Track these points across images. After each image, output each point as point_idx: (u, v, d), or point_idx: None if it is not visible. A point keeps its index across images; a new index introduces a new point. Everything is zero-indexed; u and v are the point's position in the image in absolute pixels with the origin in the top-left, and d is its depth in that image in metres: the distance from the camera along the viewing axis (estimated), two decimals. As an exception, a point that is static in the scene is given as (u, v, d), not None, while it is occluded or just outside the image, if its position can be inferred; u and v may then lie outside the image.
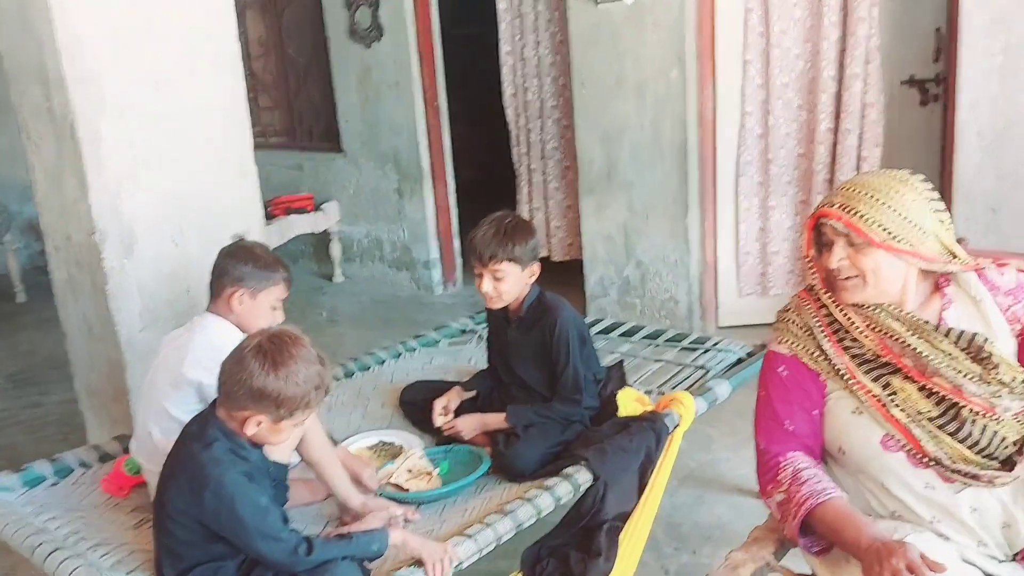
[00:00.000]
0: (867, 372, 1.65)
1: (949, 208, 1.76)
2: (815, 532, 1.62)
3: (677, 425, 2.39)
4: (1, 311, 5.60)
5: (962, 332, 1.58)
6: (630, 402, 2.45)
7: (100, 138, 2.55)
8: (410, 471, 2.32)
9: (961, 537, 1.56)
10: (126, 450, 2.29)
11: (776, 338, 1.79)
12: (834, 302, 1.69)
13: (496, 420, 2.38)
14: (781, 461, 1.70)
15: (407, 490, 2.20)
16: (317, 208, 5.65)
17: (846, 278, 1.64)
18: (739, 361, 2.89)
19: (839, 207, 1.61)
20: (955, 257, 1.61)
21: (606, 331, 3.22)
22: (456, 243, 5.47)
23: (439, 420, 2.49)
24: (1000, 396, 1.53)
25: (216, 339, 2.05)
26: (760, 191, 4.38)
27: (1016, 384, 1.53)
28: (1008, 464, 1.53)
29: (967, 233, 3.49)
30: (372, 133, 5.50)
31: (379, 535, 1.77)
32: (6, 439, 3.70)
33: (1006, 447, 1.54)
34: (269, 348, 1.69)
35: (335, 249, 5.79)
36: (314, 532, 2.06)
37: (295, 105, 6.05)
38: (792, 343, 1.74)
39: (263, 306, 2.20)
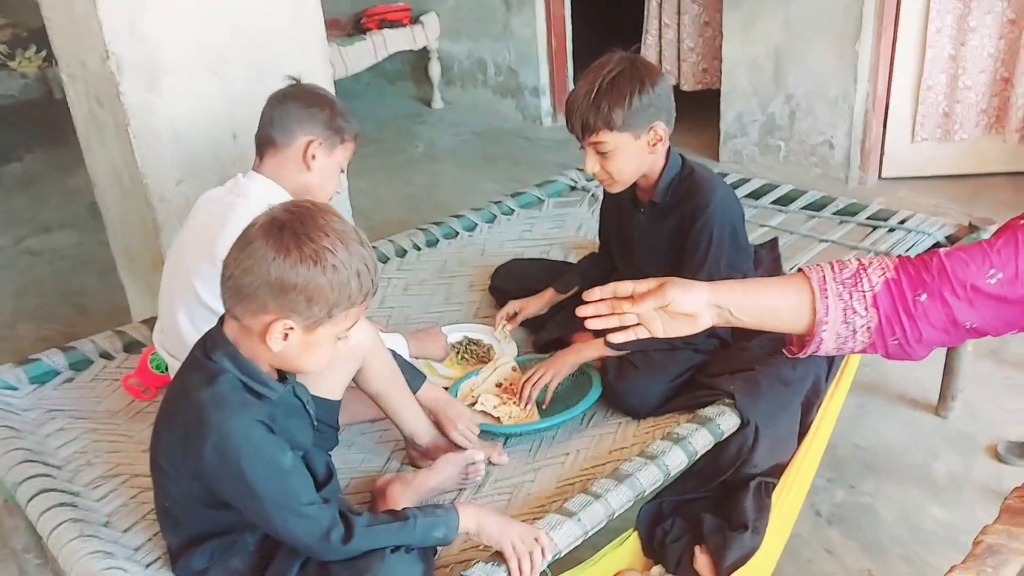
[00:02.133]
0: None
1: None
2: None
3: (856, 342, 1.78)
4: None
5: None
6: (789, 304, 1.84)
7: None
8: (499, 385, 1.83)
9: None
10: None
11: None
12: None
13: (595, 349, 1.77)
14: None
15: (498, 420, 1.71)
16: (415, 21, 4.98)
17: None
18: (936, 247, 2.18)
19: None
20: None
21: (754, 195, 2.53)
22: (569, 67, 4.72)
23: (500, 329, 1.98)
24: None
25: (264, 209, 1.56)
26: (958, 6, 3.49)
27: None
28: None
29: None
30: (475, -70, 4.68)
31: (445, 518, 1.29)
32: (77, 281, 3.42)
33: None
34: (288, 221, 1.18)
35: (434, 70, 5.15)
36: (377, 464, 1.63)
37: None
38: None
39: (336, 166, 1.74)
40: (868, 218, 2.34)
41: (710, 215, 1.70)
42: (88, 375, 1.88)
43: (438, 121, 5.05)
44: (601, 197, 2.01)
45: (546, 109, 4.79)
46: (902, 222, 2.28)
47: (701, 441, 1.52)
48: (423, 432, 1.58)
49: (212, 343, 1.26)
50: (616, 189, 1.78)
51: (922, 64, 3.58)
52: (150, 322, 1.95)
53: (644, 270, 1.87)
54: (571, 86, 4.74)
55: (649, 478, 1.43)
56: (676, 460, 1.47)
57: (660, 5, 4.29)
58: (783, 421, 1.63)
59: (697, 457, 1.52)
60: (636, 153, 1.70)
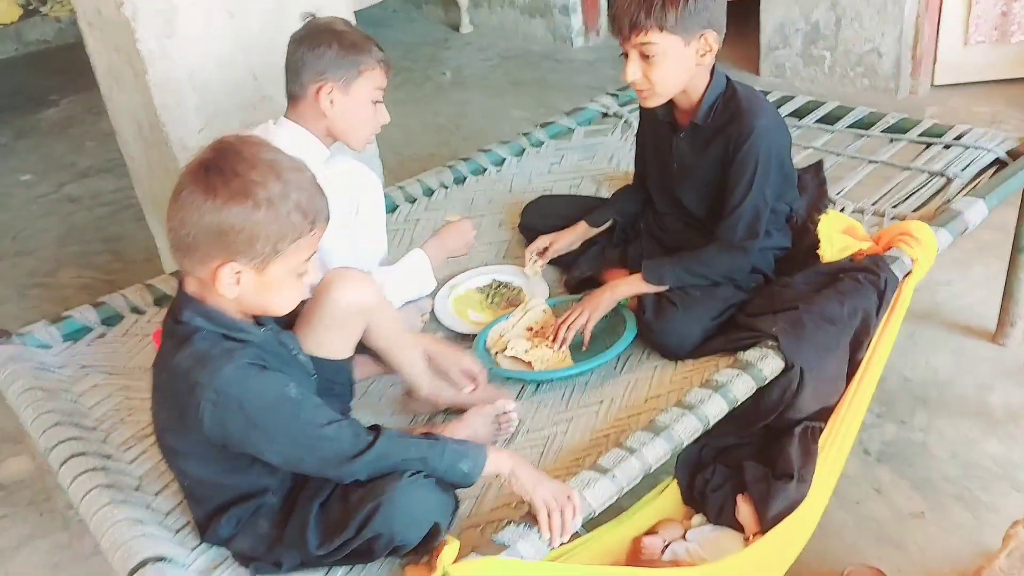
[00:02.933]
0: None
1: None
2: None
3: (908, 273, 1.68)
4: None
5: None
6: (835, 234, 1.73)
7: None
8: (530, 329, 1.76)
9: None
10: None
11: None
12: None
13: (632, 285, 1.69)
14: None
15: (530, 365, 1.65)
16: (438, -60, 4.77)
17: None
18: (996, 164, 2.03)
19: None
20: None
21: (797, 114, 2.38)
22: (600, -20, 4.49)
23: (530, 265, 1.89)
24: None
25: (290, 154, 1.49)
26: None
27: None
28: None
29: None
30: None
31: (474, 453, 1.22)
32: (116, 227, 3.40)
33: None
34: (212, 160, 1.13)
35: (461, -9, 4.95)
36: (403, 420, 1.59)
37: None
38: None
39: (360, 102, 1.62)
40: (920, 135, 2.18)
41: (755, 141, 1.58)
42: (120, 330, 1.86)
43: (466, 46, 4.87)
44: (635, 124, 1.90)
45: (577, 28, 4.59)
46: (958, 138, 2.12)
47: (742, 387, 1.44)
48: (423, 377, 1.52)
49: (177, 305, 1.20)
50: (653, 102, 1.64)
51: (979, -40, 3.33)
52: (178, 274, 1.91)
53: (683, 201, 1.78)
54: (603, 2, 4.53)
55: (686, 430, 1.37)
56: (715, 409, 1.40)
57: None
58: (830, 363, 1.55)
59: (737, 404, 1.45)
60: (682, 61, 1.57)
